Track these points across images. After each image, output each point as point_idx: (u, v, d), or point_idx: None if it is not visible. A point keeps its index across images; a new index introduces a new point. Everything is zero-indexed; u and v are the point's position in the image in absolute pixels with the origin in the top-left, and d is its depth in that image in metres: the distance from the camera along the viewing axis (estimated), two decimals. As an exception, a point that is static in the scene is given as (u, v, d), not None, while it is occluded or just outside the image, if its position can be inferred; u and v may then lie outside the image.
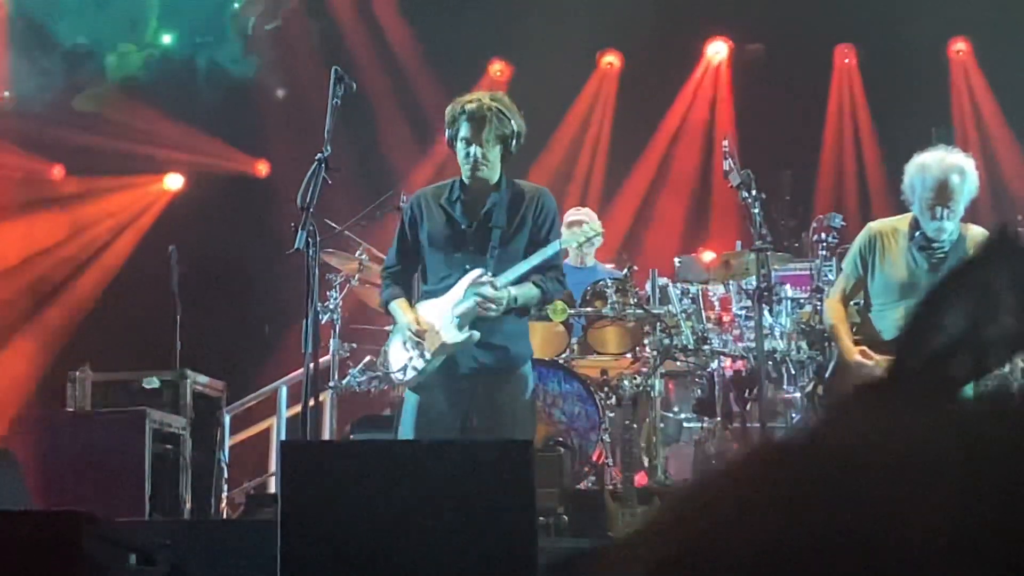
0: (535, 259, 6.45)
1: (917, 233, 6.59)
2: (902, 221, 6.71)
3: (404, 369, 6.49)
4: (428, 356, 6.42)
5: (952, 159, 6.53)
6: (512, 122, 6.54)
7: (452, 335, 6.42)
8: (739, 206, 8.38)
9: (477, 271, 6.44)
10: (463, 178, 6.60)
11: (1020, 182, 11.93)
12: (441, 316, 6.44)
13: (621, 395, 8.87)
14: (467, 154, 6.48)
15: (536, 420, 6.88)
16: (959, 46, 12.65)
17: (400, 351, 6.57)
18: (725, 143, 8.52)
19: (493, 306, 6.33)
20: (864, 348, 6.62)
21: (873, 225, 6.93)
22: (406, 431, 6.46)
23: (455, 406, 6.51)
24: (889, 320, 6.66)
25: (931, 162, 6.54)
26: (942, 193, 6.47)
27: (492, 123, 6.46)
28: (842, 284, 6.98)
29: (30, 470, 5.80)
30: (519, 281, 6.43)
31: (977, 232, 6.66)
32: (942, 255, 6.54)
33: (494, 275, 6.42)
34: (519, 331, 6.72)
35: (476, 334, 6.39)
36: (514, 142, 6.60)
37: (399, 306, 6.63)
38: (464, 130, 6.48)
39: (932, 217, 6.49)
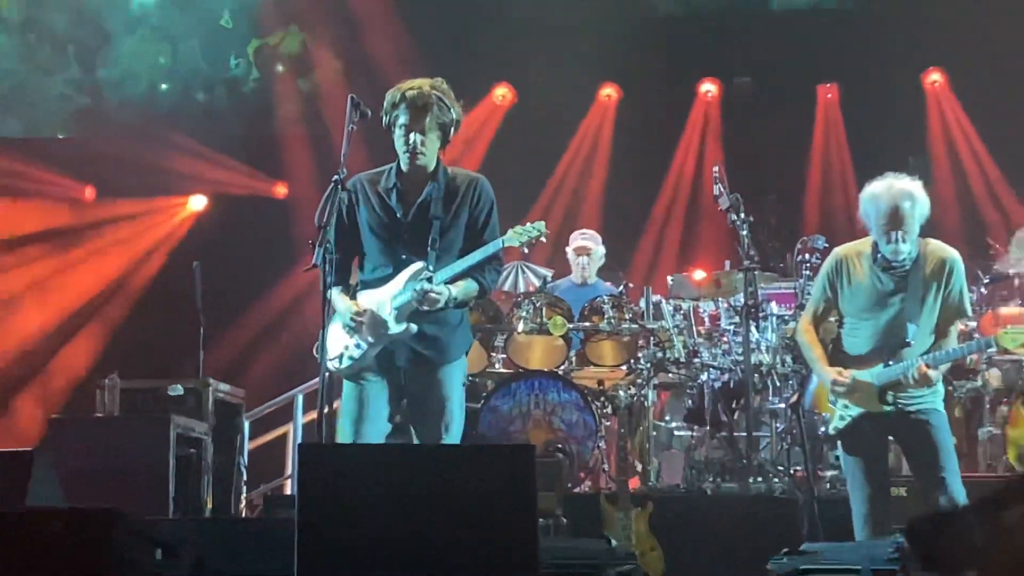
0: (477, 256, 6.21)
1: (879, 255, 6.60)
2: (865, 244, 6.71)
3: (340, 357, 6.27)
4: (364, 346, 6.24)
5: (900, 185, 6.53)
6: (452, 111, 6.29)
7: (391, 327, 6.23)
8: (728, 228, 8.40)
9: (418, 264, 6.23)
10: (400, 165, 6.35)
11: (993, 205, 11.94)
12: (380, 307, 6.24)
13: (616, 405, 8.88)
14: (406, 141, 6.22)
15: (464, 410, 6.52)
16: (934, 77, 12.68)
17: (338, 339, 6.32)
18: (715, 170, 8.54)
19: (431, 303, 6.14)
20: (840, 369, 6.63)
21: (838, 250, 6.93)
22: (345, 421, 6.30)
23: (390, 395, 6.34)
24: (859, 336, 6.66)
25: (881, 191, 6.54)
26: (895, 218, 6.47)
27: (433, 111, 6.20)
28: (813, 306, 6.97)
29: (64, 471, 5.80)
30: (459, 275, 6.23)
31: (936, 246, 6.66)
32: (904, 272, 6.55)
33: (434, 268, 6.21)
34: (455, 322, 6.41)
35: (414, 327, 6.20)
36: (452, 130, 6.36)
37: (339, 294, 6.33)
38: (404, 117, 6.20)
39: (888, 241, 6.50)
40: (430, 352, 6.30)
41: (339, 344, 6.31)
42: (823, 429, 7.08)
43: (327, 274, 6.04)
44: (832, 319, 6.90)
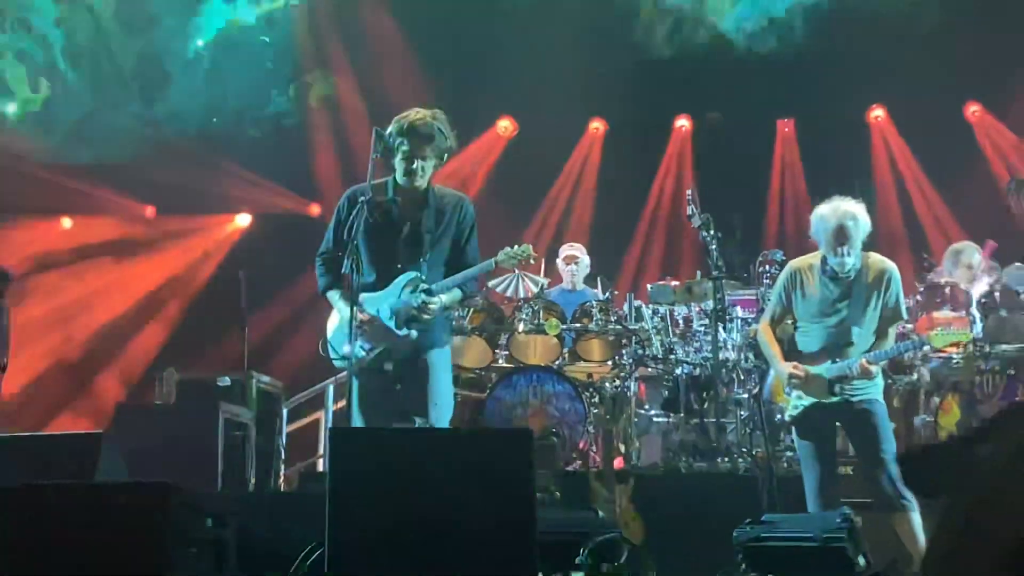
0: (473, 271, 6.26)
1: (827, 267, 6.63)
2: (815, 257, 6.74)
3: (347, 357, 6.15)
4: (368, 347, 6.19)
5: (846, 207, 6.57)
6: (448, 139, 6.28)
7: (393, 331, 6.20)
8: (699, 243, 8.41)
9: (412, 274, 6.20)
10: (396, 181, 6.29)
11: (931, 223, 11.94)
12: (380, 313, 6.21)
13: (603, 395, 8.90)
14: (408, 165, 6.19)
15: (452, 389, 6.57)
16: (877, 112, 12.69)
17: (342, 340, 6.22)
18: (689, 193, 8.54)
19: (429, 312, 6.15)
20: (796, 363, 6.65)
21: (792, 263, 6.95)
22: (354, 411, 6.26)
23: (387, 385, 6.28)
24: (811, 336, 6.69)
25: (828, 212, 6.58)
26: (840, 236, 6.51)
27: (435, 140, 6.20)
28: (771, 311, 6.99)
29: (127, 450, 5.81)
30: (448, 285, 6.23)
31: (876, 259, 6.69)
32: (849, 282, 6.58)
33: (426, 276, 6.20)
34: (439, 321, 6.34)
35: (414, 333, 6.19)
36: (446, 155, 6.35)
37: (340, 298, 6.31)
38: (408, 144, 6.17)
39: (835, 255, 6.54)
40: (419, 345, 6.24)
41: (345, 345, 6.19)
42: (780, 416, 7.08)
43: (353, 280, 6.04)
44: (788, 322, 6.92)
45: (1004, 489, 0.61)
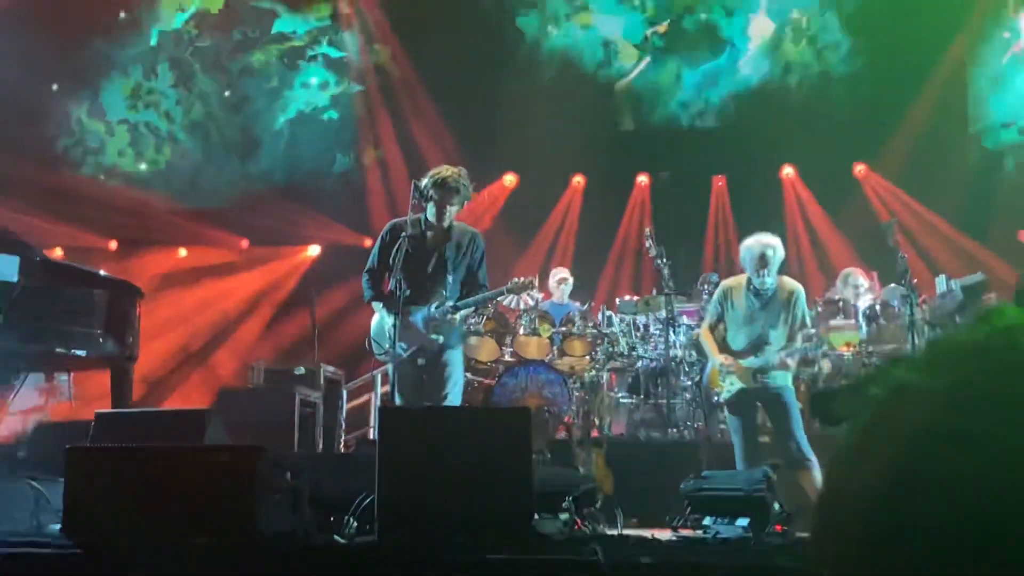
0: (489, 295, 6.30)
1: (751, 285, 6.63)
2: (742, 278, 6.75)
3: (388, 353, 6.21)
4: (405, 346, 6.18)
5: (766, 240, 6.59)
6: (468, 191, 6.31)
7: (426, 335, 6.23)
8: (655, 268, 8.41)
9: (443, 297, 6.22)
10: (428, 219, 6.27)
11: (828, 253, 11.91)
12: (416, 320, 6.22)
13: (583, 382, 8.89)
14: (441, 211, 6.20)
15: (463, 379, 6.68)
16: (787, 170, 12.68)
17: (385, 340, 6.26)
18: (647, 231, 8.56)
19: (452, 323, 6.21)
20: (727, 355, 6.66)
21: (724, 283, 6.97)
22: (396, 395, 6.26)
23: (419, 375, 6.33)
24: (738, 338, 6.70)
25: (753, 243, 6.60)
26: (762, 261, 6.52)
27: (461, 192, 6.23)
28: (708, 320, 6.99)
29: (227, 422, 5.80)
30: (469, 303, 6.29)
31: (787, 281, 6.71)
32: (767, 298, 6.60)
33: (449, 295, 6.22)
34: (457, 329, 6.37)
35: (441, 338, 6.22)
36: (465, 201, 6.34)
37: (383, 307, 6.31)
38: (439, 195, 6.18)
39: (758, 276, 6.55)
40: (441, 347, 6.28)
41: (386, 344, 6.24)
42: (716, 399, 7.08)
43: (397, 296, 6.06)
44: (721, 327, 6.92)
45: (884, 416, 0.63)
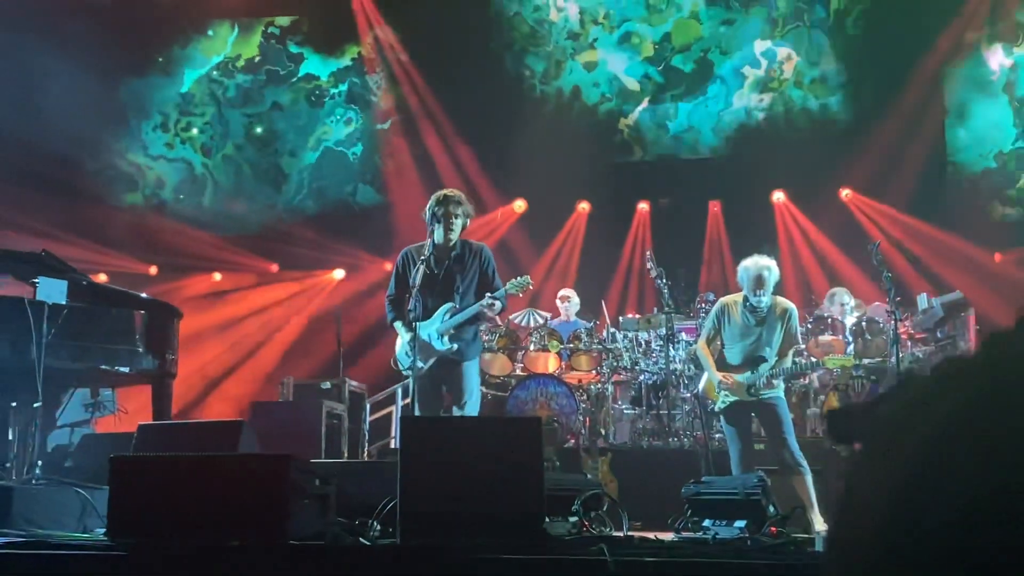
0: (485, 302, 6.16)
1: (747, 303, 6.63)
2: (739, 296, 6.74)
3: (409, 367, 6.22)
4: (423, 360, 6.20)
5: (763, 261, 6.59)
6: (469, 207, 6.34)
7: (440, 346, 6.22)
8: (655, 288, 8.43)
9: (448, 304, 6.20)
10: (436, 239, 6.29)
11: (816, 276, 11.89)
12: (430, 338, 6.22)
13: (589, 394, 8.90)
14: (446, 225, 6.21)
15: (480, 390, 6.68)
16: (778, 195, 12.63)
17: (405, 356, 6.30)
18: (648, 254, 8.60)
19: (469, 336, 6.24)
20: (725, 374, 6.65)
21: (723, 299, 6.96)
22: (415, 404, 6.28)
23: (437, 387, 6.35)
24: (734, 353, 6.70)
25: (751, 264, 6.60)
26: (759, 282, 6.52)
27: (462, 204, 6.26)
28: (705, 334, 6.99)
29: (259, 432, 5.83)
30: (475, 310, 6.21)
31: (781, 300, 6.71)
32: (762, 316, 6.59)
33: (459, 304, 6.19)
34: (470, 338, 6.34)
35: (455, 346, 6.21)
36: (468, 219, 6.35)
37: (402, 326, 6.32)
38: (442, 209, 6.21)
39: (754, 295, 6.55)
40: (457, 358, 6.27)
41: (406, 360, 6.27)
42: (712, 409, 7.08)
43: (417, 314, 6.09)
44: (718, 342, 6.93)
45: (896, 434, 0.62)
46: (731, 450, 6.65)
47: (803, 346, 8.49)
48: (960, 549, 0.63)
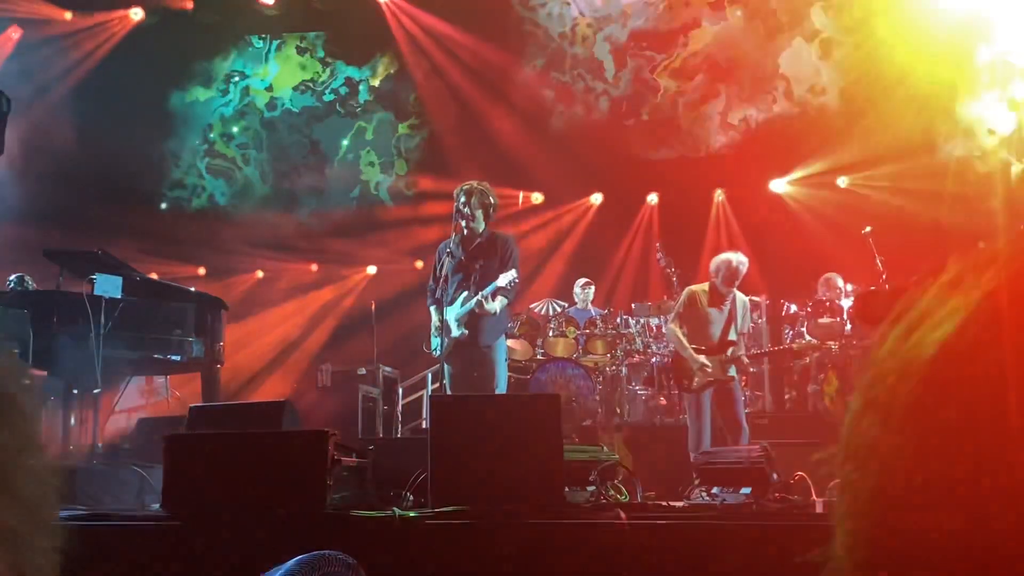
0: (499, 282, 6.08)
1: (716, 293, 6.72)
2: (705, 285, 6.87)
3: (438, 348, 6.24)
4: (447, 341, 6.22)
5: (738, 258, 6.72)
6: (490, 197, 6.27)
7: (456, 331, 6.22)
8: (666, 276, 8.40)
9: (466, 293, 6.17)
10: (461, 231, 6.26)
11: (820, 258, 11.71)
12: (452, 320, 6.22)
13: (605, 375, 8.87)
14: (471, 214, 6.20)
15: (506, 371, 6.63)
16: (777, 184, 12.34)
17: (435, 338, 6.31)
18: (658, 244, 8.61)
19: (486, 313, 6.13)
20: (704, 356, 6.75)
21: (690, 288, 7.02)
22: (447, 384, 6.29)
23: (464, 370, 6.32)
24: (701, 335, 6.80)
25: (733, 259, 6.82)
26: (734, 275, 6.63)
27: (478, 197, 6.23)
28: (676, 318, 7.03)
29: (301, 412, 5.86)
30: (492, 295, 6.10)
31: (740, 293, 6.89)
32: (728, 304, 6.78)
33: (477, 291, 6.11)
34: (492, 324, 6.25)
35: (465, 331, 6.16)
36: (492, 210, 6.29)
37: (434, 312, 6.33)
38: (466, 199, 6.20)
39: (727, 287, 6.63)
40: (481, 341, 6.25)
41: (436, 342, 6.28)
42: (685, 383, 7.15)
43: (444, 304, 6.10)
44: (684, 328, 7.01)
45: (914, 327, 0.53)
46: (703, 424, 6.68)
47: (796, 330, 8.55)
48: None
